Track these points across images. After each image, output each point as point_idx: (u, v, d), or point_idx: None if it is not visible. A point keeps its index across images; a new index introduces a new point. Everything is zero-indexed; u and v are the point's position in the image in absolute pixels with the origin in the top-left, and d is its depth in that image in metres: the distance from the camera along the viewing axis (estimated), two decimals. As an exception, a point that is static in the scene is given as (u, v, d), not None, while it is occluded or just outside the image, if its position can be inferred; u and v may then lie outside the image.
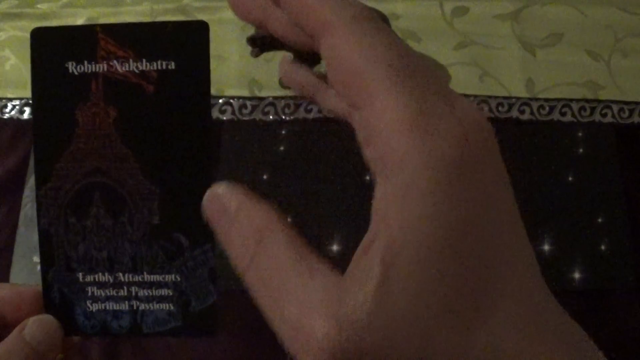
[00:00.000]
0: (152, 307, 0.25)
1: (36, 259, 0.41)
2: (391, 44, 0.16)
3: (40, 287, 0.24)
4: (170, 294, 0.25)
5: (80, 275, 0.25)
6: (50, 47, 0.24)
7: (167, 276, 0.25)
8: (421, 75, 0.15)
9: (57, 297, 0.25)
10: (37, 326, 0.23)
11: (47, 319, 0.24)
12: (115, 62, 0.24)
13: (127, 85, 0.24)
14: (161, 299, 0.25)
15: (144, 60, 0.24)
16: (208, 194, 0.18)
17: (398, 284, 0.14)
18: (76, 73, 0.24)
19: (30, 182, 0.43)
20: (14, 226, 0.42)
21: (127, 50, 0.24)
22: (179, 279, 0.25)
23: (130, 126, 0.24)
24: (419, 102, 0.15)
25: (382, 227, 0.14)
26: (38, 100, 0.25)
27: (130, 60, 0.24)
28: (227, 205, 0.18)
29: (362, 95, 0.16)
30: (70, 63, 0.24)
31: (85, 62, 0.24)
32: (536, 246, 0.40)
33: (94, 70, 0.24)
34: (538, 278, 0.15)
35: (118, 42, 0.24)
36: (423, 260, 0.14)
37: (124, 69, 0.24)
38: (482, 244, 0.14)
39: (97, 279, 0.25)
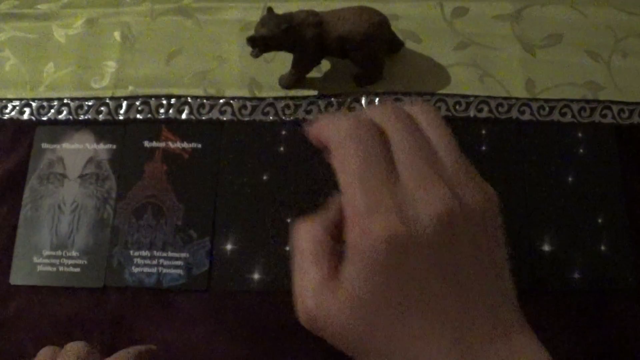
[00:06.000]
0: (170, 271, 0.40)
1: (36, 259, 0.41)
2: (362, 156, 0.23)
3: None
4: (182, 264, 0.40)
5: (131, 251, 0.40)
6: (134, 132, 0.43)
7: (181, 254, 0.40)
8: (375, 177, 0.22)
9: (116, 264, 0.40)
10: None
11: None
12: (169, 142, 0.43)
13: (174, 154, 0.40)
14: (176, 267, 0.40)
15: (184, 141, 0.43)
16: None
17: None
18: (148, 146, 0.43)
19: (30, 182, 0.43)
20: (14, 226, 0.42)
21: (176, 136, 0.43)
22: (187, 255, 0.40)
23: (172, 174, 0.42)
24: (368, 197, 0.21)
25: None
26: (125, 159, 0.42)
27: (177, 141, 0.43)
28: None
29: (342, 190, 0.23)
30: (145, 141, 0.43)
31: (154, 141, 0.43)
32: (536, 246, 0.40)
33: (157, 145, 0.43)
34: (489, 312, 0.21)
35: (172, 132, 0.43)
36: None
37: (173, 145, 0.43)
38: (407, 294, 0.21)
39: (140, 254, 0.40)
